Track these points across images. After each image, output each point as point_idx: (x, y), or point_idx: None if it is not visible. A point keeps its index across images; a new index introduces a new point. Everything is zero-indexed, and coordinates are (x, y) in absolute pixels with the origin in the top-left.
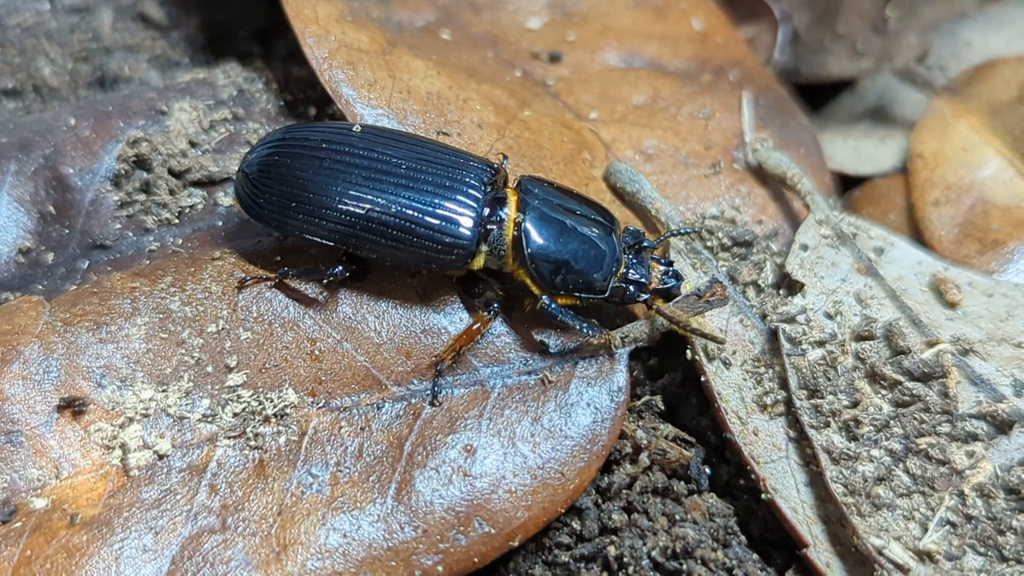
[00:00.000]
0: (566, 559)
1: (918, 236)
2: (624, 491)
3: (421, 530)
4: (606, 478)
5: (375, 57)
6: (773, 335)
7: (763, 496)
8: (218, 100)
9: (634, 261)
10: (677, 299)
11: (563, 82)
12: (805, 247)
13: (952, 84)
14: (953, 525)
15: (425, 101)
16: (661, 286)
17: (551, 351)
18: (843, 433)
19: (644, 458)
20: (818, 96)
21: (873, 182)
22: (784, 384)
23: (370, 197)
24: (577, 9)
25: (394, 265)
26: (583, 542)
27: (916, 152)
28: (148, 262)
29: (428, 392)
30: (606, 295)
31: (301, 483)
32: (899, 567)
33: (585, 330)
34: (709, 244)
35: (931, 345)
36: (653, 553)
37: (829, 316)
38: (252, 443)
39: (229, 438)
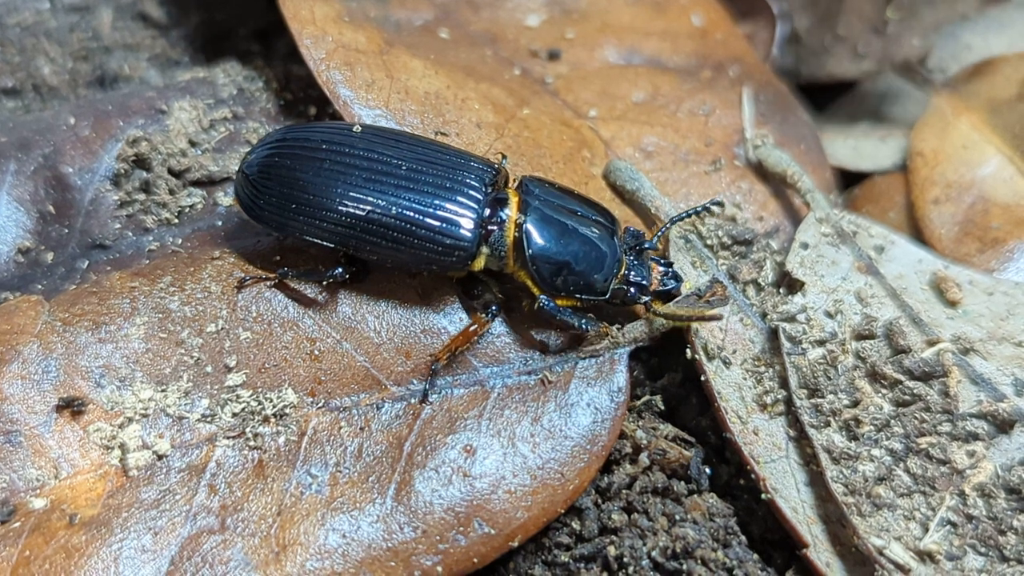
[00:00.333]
0: (566, 559)
1: (918, 234)
2: (624, 491)
3: (421, 530)
4: (606, 478)
5: (373, 57)
6: (773, 334)
7: (763, 496)
8: (218, 99)
9: (635, 263)
10: (677, 299)
11: (562, 80)
12: (805, 245)
13: (952, 82)
14: (954, 525)
15: (423, 101)
16: (661, 288)
17: (551, 351)
18: (843, 432)
19: (644, 458)
20: (819, 97)
21: (873, 180)
22: (784, 383)
23: (370, 199)
24: (576, 6)
25: (394, 267)
26: (583, 542)
27: (916, 150)
28: (147, 262)
29: (424, 392)
30: (607, 296)
31: (300, 483)
32: (900, 567)
33: (584, 325)
34: (709, 243)
35: (932, 344)
36: (653, 553)
37: (829, 315)
38: (251, 443)
39: (228, 438)
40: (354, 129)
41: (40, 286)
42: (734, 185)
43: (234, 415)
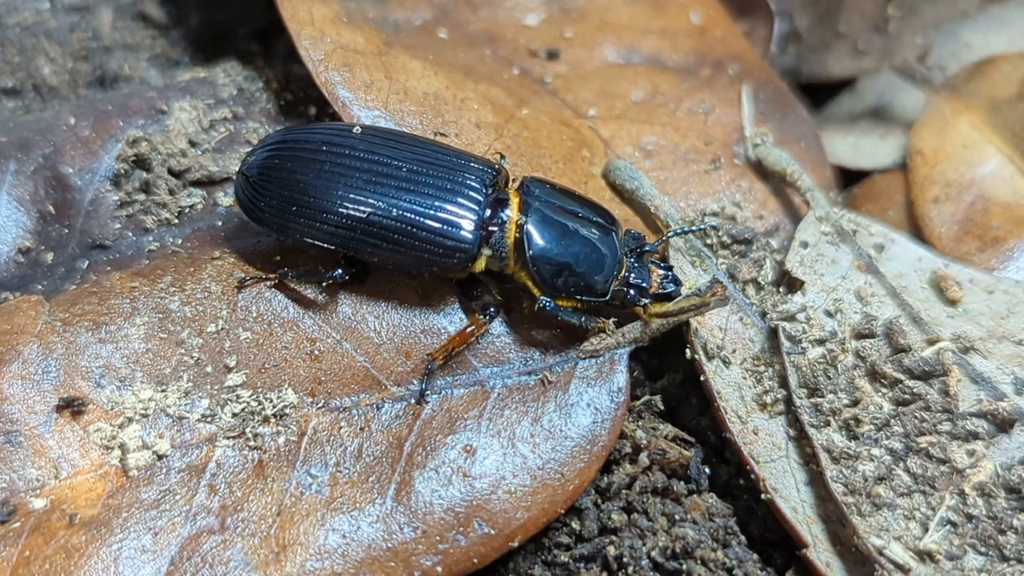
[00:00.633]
0: (566, 559)
1: (918, 233)
2: (624, 491)
3: (420, 531)
4: (606, 478)
5: (371, 58)
6: (773, 333)
7: (763, 496)
8: (218, 99)
9: (635, 265)
10: (678, 299)
11: (561, 79)
12: (805, 244)
13: (952, 81)
14: (954, 524)
15: (422, 102)
16: (661, 291)
17: (551, 351)
18: (843, 432)
19: (644, 458)
20: (818, 95)
21: (872, 179)
22: (784, 383)
23: (371, 200)
24: (575, 5)
25: (395, 268)
26: (583, 542)
27: (916, 149)
28: (147, 262)
29: (420, 392)
30: (607, 298)
31: (300, 483)
32: (899, 567)
33: (585, 323)
34: (709, 242)
35: (932, 343)
36: (653, 553)
37: (829, 314)
38: (251, 443)
39: (228, 438)
40: (354, 130)
41: (40, 286)
42: (734, 184)
43: (234, 415)
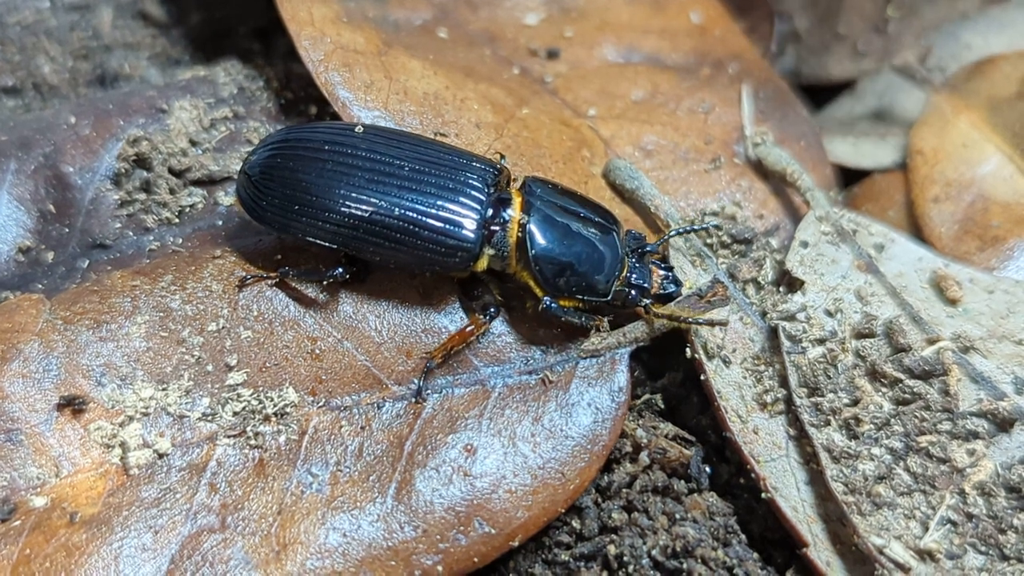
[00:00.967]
0: (566, 558)
1: (918, 233)
2: (624, 490)
3: (421, 530)
4: (606, 477)
5: (371, 58)
6: (773, 333)
7: (763, 495)
8: (219, 98)
9: (636, 265)
10: (678, 299)
11: (561, 79)
12: (805, 244)
13: (952, 80)
14: (954, 524)
15: (422, 102)
16: (661, 291)
17: (552, 350)
18: (843, 431)
19: (644, 457)
20: (819, 98)
21: (872, 179)
22: (784, 382)
23: (373, 199)
24: (575, 4)
25: (397, 267)
26: (583, 541)
27: (916, 148)
28: (148, 261)
29: (418, 389)
30: (608, 298)
31: (301, 482)
32: (900, 566)
33: (586, 322)
34: (709, 241)
35: (932, 342)
36: (653, 552)
37: (829, 313)
38: (252, 442)
39: (229, 437)
40: (356, 129)
41: (41, 285)
42: (734, 183)
43: (235, 414)
